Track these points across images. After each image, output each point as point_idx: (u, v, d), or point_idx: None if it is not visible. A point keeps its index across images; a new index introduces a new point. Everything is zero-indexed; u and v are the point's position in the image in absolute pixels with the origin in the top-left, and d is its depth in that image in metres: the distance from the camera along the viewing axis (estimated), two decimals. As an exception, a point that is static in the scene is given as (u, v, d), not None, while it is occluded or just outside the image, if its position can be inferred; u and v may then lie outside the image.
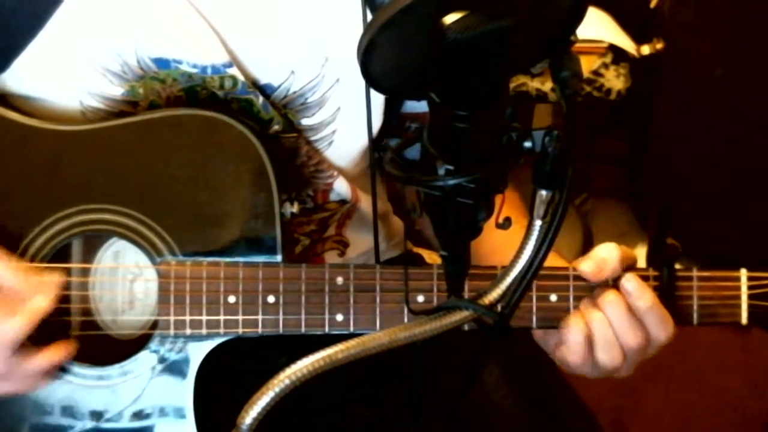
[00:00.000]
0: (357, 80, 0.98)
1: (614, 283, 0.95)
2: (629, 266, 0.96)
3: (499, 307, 0.70)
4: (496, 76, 0.61)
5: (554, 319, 0.95)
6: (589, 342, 0.93)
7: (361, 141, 1.05)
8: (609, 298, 0.93)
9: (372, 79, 0.63)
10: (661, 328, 0.93)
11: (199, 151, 0.95)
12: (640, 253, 2.17)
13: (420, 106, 1.08)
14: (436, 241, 1.16)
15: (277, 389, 0.68)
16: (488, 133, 0.64)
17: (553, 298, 0.96)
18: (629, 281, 0.93)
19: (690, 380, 2.20)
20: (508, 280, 0.69)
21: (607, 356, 0.93)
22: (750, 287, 0.97)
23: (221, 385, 1.00)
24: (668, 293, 0.95)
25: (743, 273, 0.97)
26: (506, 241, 1.02)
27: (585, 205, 2.40)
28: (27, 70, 0.94)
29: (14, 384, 0.92)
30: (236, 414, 0.69)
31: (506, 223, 0.71)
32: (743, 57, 2.13)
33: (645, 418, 2.14)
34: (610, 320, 0.92)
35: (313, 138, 1.03)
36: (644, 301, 0.93)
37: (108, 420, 0.96)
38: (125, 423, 0.96)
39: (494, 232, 0.70)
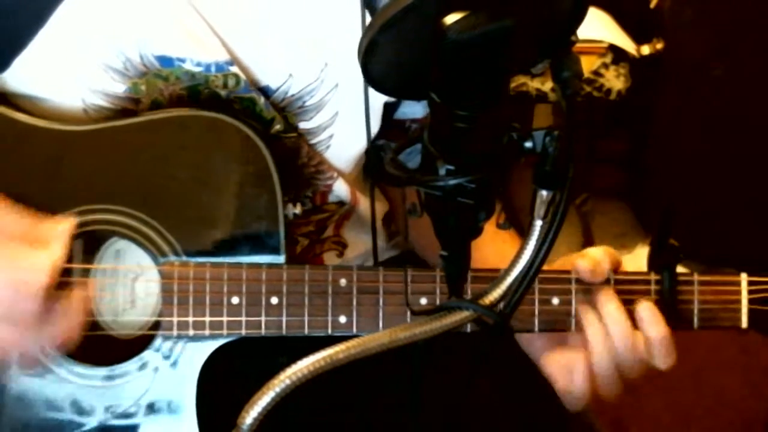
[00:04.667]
0: (356, 85, 0.99)
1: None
2: (616, 267, 0.97)
3: (499, 307, 0.70)
4: (496, 77, 0.61)
5: (556, 322, 0.95)
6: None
7: (358, 146, 1.05)
8: (609, 310, 0.93)
9: (373, 80, 0.63)
10: (667, 359, 0.94)
11: (202, 152, 0.95)
12: (641, 253, 2.17)
13: (413, 112, 1.09)
14: (421, 247, 1.16)
15: (277, 389, 0.68)
16: (489, 133, 0.64)
17: (555, 301, 0.96)
18: (645, 309, 0.94)
19: (690, 380, 2.20)
20: (509, 280, 0.69)
21: (605, 385, 0.94)
22: (750, 291, 0.97)
23: (221, 385, 1.00)
24: (669, 298, 0.95)
25: (744, 278, 0.97)
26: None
27: (585, 205, 2.40)
28: (29, 68, 0.94)
29: (58, 325, 0.87)
30: (236, 414, 0.69)
31: (506, 224, 0.71)
32: (743, 57, 2.13)
33: (645, 418, 2.14)
34: (614, 343, 0.93)
35: (311, 142, 1.03)
36: (657, 331, 0.93)
37: (109, 420, 0.96)
38: (126, 423, 0.96)
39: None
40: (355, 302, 0.95)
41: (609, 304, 0.93)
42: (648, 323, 0.93)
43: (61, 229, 0.88)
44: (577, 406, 0.97)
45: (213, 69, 0.95)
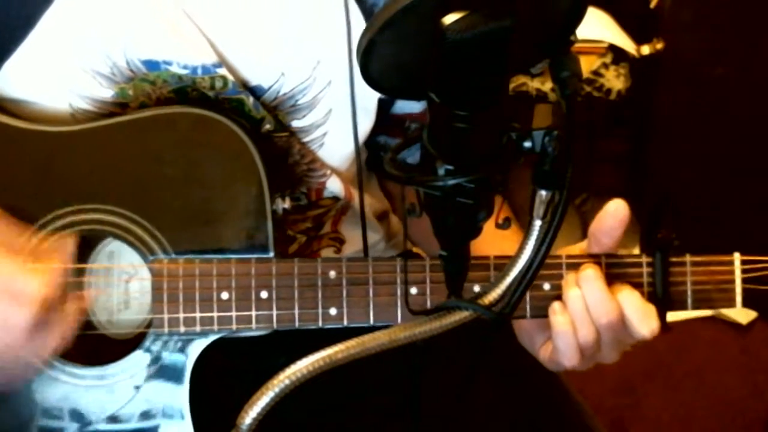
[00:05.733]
0: (349, 83, 0.98)
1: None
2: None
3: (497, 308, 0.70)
4: (495, 76, 0.61)
5: (547, 308, 0.95)
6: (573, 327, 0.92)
7: (353, 143, 1.05)
8: (587, 273, 0.91)
9: (372, 80, 0.63)
10: (645, 323, 0.91)
11: (190, 149, 0.94)
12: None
13: (410, 108, 1.09)
14: (424, 243, 1.16)
15: (277, 389, 0.68)
16: (488, 133, 0.64)
17: (547, 286, 0.95)
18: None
19: (690, 380, 2.20)
20: (508, 280, 0.69)
21: (582, 332, 0.91)
22: (744, 271, 0.96)
23: (221, 385, 1.00)
24: (662, 278, 0.95)
25: (737, 257, 0.97)
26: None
27: (585, 205, 2.40)
28: (16, 73, 0.94)
29: (50, 335, 0.87)
30: (236, 414, 0.69)
31: (506, 223, 0.71)
32: (743, 57, 2.13)
33: (645, 418, 2.14)
34: (584, 295, 0.91)
35: (304, 140, 1.03)
36: (629, 294, 0.91)
37: (105, 420, 0.96)
38: (123, 423, 0.96)
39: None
40: (345, 294, 0.95)
41: (587, 269, 0.92)
42: (619, 289, 0.92)
43: (62, 243, 0.89)
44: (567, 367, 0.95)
45: (200, 71, 0.95)
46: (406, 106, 1.09)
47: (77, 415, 0.96)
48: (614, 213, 0.93)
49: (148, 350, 0.95)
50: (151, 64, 0.94)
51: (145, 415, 0.96)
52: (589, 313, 0.90)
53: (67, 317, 0.88)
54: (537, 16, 0.61)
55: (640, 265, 0.95)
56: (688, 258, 0.96)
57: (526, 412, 1.11)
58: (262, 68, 0.98)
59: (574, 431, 1.12)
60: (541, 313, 0.95)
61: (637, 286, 0.94)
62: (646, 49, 2.15)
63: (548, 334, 0.95)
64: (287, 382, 0.68)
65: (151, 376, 0.96)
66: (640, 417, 2.14)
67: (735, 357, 2.24)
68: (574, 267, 0.94)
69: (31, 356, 0.88)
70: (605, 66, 2.10)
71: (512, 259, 0.68)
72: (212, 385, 0.98)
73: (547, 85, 2.07)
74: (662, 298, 0.94)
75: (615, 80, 2.10)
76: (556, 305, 0.92)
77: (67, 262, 0.89)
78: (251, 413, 0.68)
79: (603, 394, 2.10)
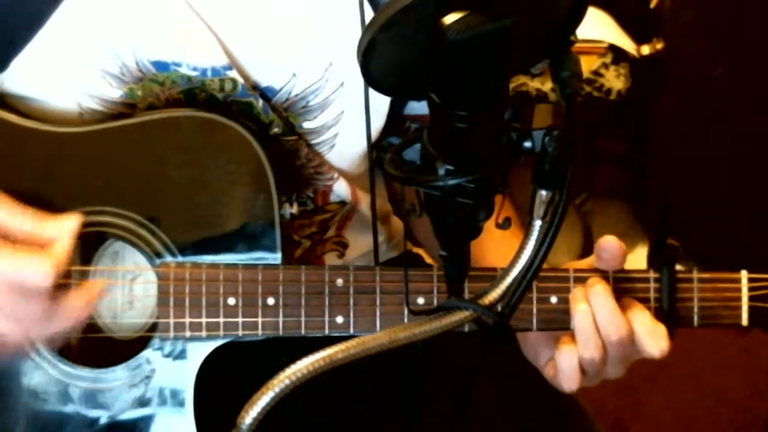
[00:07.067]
0: (362, 84, 0.99)
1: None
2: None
3: (498, 308, 0.70)
4: (495, 77, 0.61)
5: (554, 321, 0.95)
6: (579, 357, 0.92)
7: (364, 144, 1.05)
8: (596, 289, 0.91)
9: (372, 79, 0.63)
10: (655, 343, 0.91)
11: (197, 153, 0.94)
12: (641, 253, 2.17)
13: (422, 108, 1.09)
14: (429, 244, 1.16)
15: (277, 389, 0.68)
16: (488, 133, 0.64)
17: (554, 299, 0.95)
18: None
19: (690, 380, 2.20)
20: (508, 280, 0.69)
21: (587, 352, 0.91)
22: (751, 288, 0.96)
23: (221, 385, 1.00)
24: (669, 295, 0.95)
25: (744, 275, 0.97)
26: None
27: (585, 205, 2.40)
28: (25, 71, 0.94)
29: (58, 324, 0.86)
30: (236, 414, 0.69)
31: (506, 223, 0.71)
32: (743, 57, 2.13)
33: (645, 418, 2.14)
34: (593, 311, 0.91)
35: (314, 141, 1.03)
36: (640, 313, 0.91)
37: (108, 421, 0.96)
38: (126, 424, 0.96)
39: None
40: (351, 302, 0.95)
41: (597, 284, 0.92)
42: (629, 306, 0.92)
43: (65, 228, 0.88)
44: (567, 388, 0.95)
45: (209, 73, 0.95)
46: (418, 107, 1.08)
47: (79, 418, 0.96)
48: (608, 248, 0.93)
49: (152, 354, 0.95)
50: (161, 65, 0.94)
51: (149, 416, 0.96)
52: (598, 329, 0.90)
53: (73, 307, 0.86)
54: (537, 16, 0.61)
55: (647, 280, 0.95)
56: (695, 274, 0.96)
57: (526, 413, 1.11)
58: (274, 69, 0.98)
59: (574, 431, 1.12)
60: (548, 326, 0.95)
61: (644, 301, 0.94)
62: (646, 49, 2.15)
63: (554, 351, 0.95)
64: (287, 382, 0.68)
65: (156, 379, 0.96)
66: (640, 417, 2.14)
67: (735, 357, 2.24)
68: (582, 281, 0.94)
69: (36, 342, 0.88)
70: (605, 66, 2.10)
71: (512, 259, 0.68)
72: (213, 385, 0.98)
73: (547, 85, 2.07)
74: (669, 314, 0.94)
75: (615, 80, 2.10)
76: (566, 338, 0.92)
77: (69, 247, 0.86)
78: (251, 413, 0.68)
79: (604, 396, 2.10)
